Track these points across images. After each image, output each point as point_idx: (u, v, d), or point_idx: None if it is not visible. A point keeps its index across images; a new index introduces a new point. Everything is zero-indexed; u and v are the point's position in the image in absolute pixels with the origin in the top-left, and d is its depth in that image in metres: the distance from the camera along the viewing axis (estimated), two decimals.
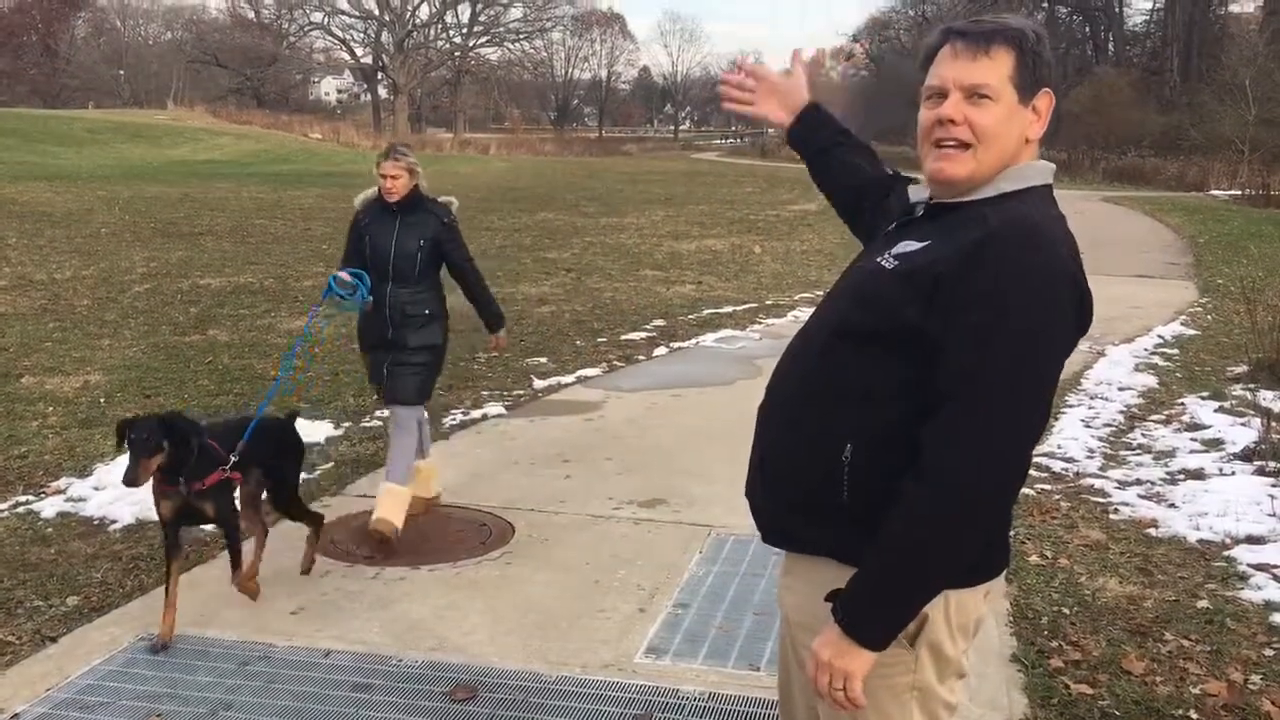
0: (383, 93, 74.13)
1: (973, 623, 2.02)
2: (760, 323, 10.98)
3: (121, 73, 67.85)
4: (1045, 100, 1.97)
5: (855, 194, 2.42)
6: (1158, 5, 53.39)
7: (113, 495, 5.43)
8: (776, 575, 2.25)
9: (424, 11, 70.74)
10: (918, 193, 2.12)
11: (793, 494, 2.04)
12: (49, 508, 5.35)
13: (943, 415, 1.81)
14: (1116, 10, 54.83)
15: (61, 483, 5.71)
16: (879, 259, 2.00)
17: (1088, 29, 58.40)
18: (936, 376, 1.84)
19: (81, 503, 5.43)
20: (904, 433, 1.87)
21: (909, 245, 1.97)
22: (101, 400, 7.36)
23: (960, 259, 1.85)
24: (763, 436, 2.12)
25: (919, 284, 1.88)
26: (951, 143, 1.94)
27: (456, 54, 72.06)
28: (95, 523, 5.21)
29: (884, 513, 1.85)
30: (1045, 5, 57.70)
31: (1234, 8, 50.83)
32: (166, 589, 4.00)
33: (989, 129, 1.92)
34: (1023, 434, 1.84)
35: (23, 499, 5.49)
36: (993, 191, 1.95)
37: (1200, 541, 5.11)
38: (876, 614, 1.86)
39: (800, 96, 2.46)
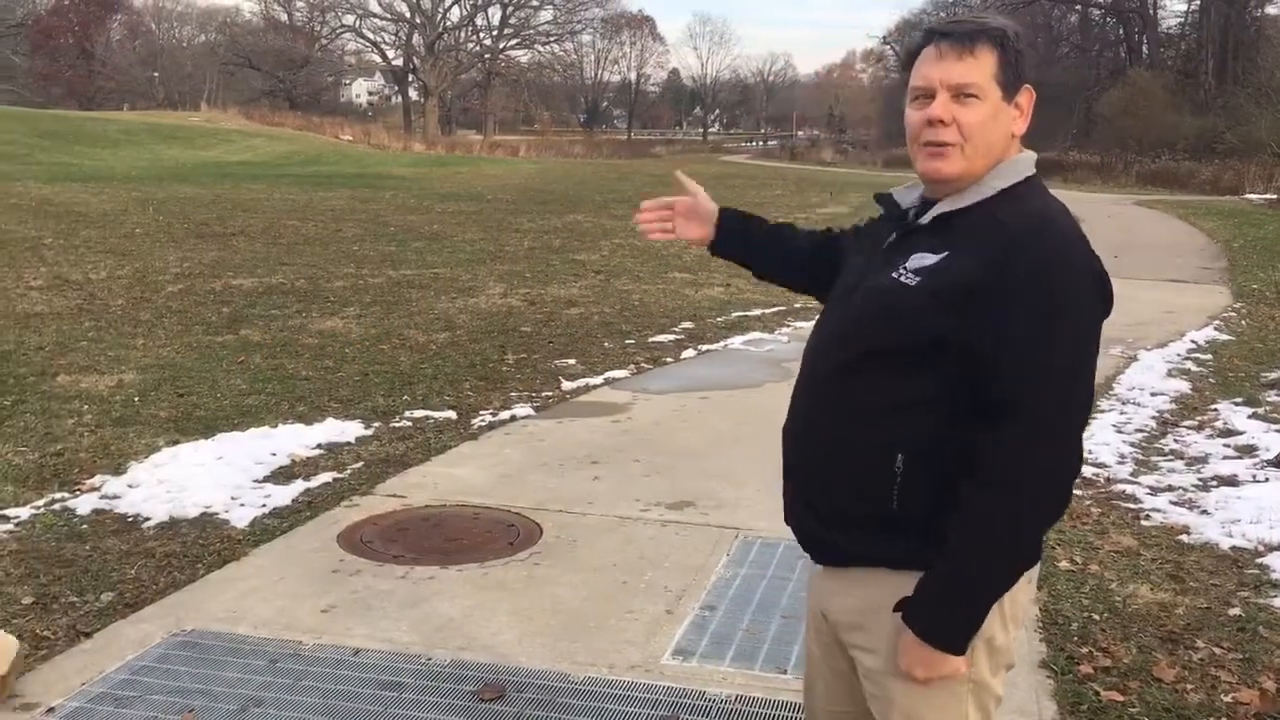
0: (413, 95, 74.70)
1: (1022, 611, 2.06)
2: (788, 325, 10.96)
3: (156, 75, 68.61)
4: (1027, 96, 2.01)
5: (807, 271, 2.43)
6: (1192, 7, 52.90)
7: (146, 493, 5.50)
8: (806, 578, 2.25)
9: (455, 14, 71.30)
10: (907, 195, 2.12)
11: (828, 507, 2.06)
12: (84, 505, 5.41)
13: (999, 422, 1.85)
14: (1151, 12, 54.34)
15: (96, 480, 5.77)
16: (894, 274, 1.98)
17: (1121, 31, 57.90)
18: (984, 384, 1.87)
19: (116, 500, 5.49)
20: (940, 441, 1.91)
21: (925, 258, 1.96)
22: (136, 399, 7.44)
23: (986, 267, 1.87)
24: (791, 455, 2.14)
25: (949, 299, 1.89)
26: (941, 143, 1.97)
27: (487, 56, 72.51)
28: (129, 520, 5.27)
29: (924, 519, 1.90)
30: (1079, 7, 57.32)
31: (1270, 10, 50.34)
32: None
33: (977, 127, 1.95)
34: (1075, 431, 1.90)
35: (58, 496, 5.56)
36: (991, 190, 1.97)
37: (1233, 548, 5.06)
38: (958, 620, 1.91)
39: (709, 208, 2.48)
